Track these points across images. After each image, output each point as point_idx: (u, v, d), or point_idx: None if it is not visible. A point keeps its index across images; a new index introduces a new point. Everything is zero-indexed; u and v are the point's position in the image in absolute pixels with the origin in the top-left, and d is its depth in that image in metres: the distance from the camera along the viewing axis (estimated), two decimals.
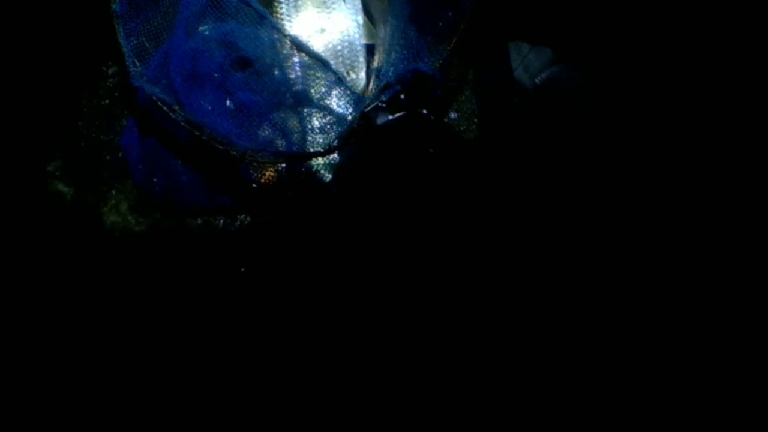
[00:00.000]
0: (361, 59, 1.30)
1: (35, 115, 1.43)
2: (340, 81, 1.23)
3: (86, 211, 1.40)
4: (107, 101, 1.45)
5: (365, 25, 1.30)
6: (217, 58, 1.20)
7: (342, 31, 1.29)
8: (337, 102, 1.25)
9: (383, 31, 1.28)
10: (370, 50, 1.31)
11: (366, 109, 1.15)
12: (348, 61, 1.29)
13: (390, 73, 1.20)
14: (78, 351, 1.34)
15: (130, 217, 1.41)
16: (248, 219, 1.39)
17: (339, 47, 1.30)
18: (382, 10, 1.29)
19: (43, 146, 1.43)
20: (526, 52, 1.36)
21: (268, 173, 1.24)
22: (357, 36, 1.30)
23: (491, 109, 1.38)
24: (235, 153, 1.17)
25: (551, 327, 1.36)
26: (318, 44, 1.28)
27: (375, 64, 1.28)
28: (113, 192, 1.42)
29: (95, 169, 1.42)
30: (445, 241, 1.38)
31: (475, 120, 1.42)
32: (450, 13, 1.21)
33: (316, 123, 1.24)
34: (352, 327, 1.36)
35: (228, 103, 1.21)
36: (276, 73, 1.23)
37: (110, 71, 1.46)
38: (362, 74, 1.29)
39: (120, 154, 1.41)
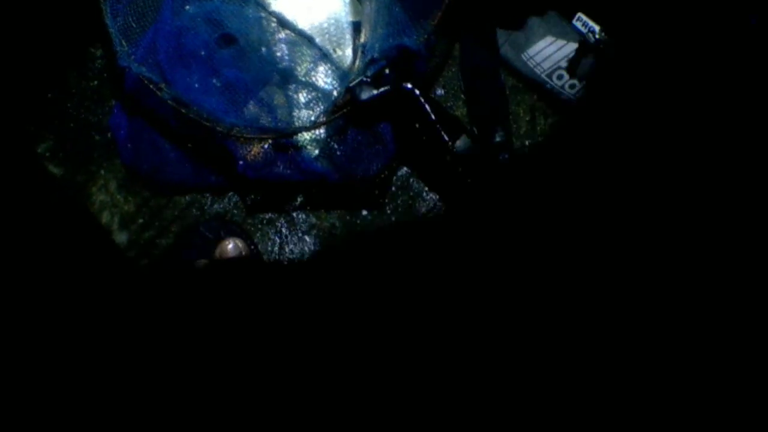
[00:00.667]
0: (348, 36, 1.30)
1: (25, 98, 1.44)
2: (325, 57, 1.24)
3: (76, 192, 1.42)
4: (96, 82, 1.46)
5: (351, 2, 1.30)
6: (202, 36, 1.21)
7: (328, 9, 1.29)
8: (323, 78, 1.25)
9: (369, 8, 1.28)
10: (356, 28, 1.30)
11: (350, 84, 1.16)
12: (334, 39, 1.29)
13: (375, 49, 1.20)
14: (69, 339, 1.35)
15: (118, 196, 1.42)
16: (236, 196, 1.41)
17: (325, 25, 1.30)
18: None
19: (33, 128, 1.44)
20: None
21: (254, 149, 1.25)
22: (343, 13, 1.30)
23: (477, 86, 1.38)
24: (221, 129, 1.18)
25: (551, 325, 1.34)
26: (304, 22, 1.28)
27: (361, 40, 1.28)
28: (102, 172, 1.43)
29: (84, 149, 1.43)
30: (433, 222, 1.39)
31: (462, 96, 1.42)
32: None
33: (302, 99, 1.24)
34: (343, 316, 1.36)
35: (214, 80, 1.22)
36: (262, 50, 1.23)
37: (98, 53, 1.46)
38: (349, 51, 1.29)
39: (109, 134, 1.41)
